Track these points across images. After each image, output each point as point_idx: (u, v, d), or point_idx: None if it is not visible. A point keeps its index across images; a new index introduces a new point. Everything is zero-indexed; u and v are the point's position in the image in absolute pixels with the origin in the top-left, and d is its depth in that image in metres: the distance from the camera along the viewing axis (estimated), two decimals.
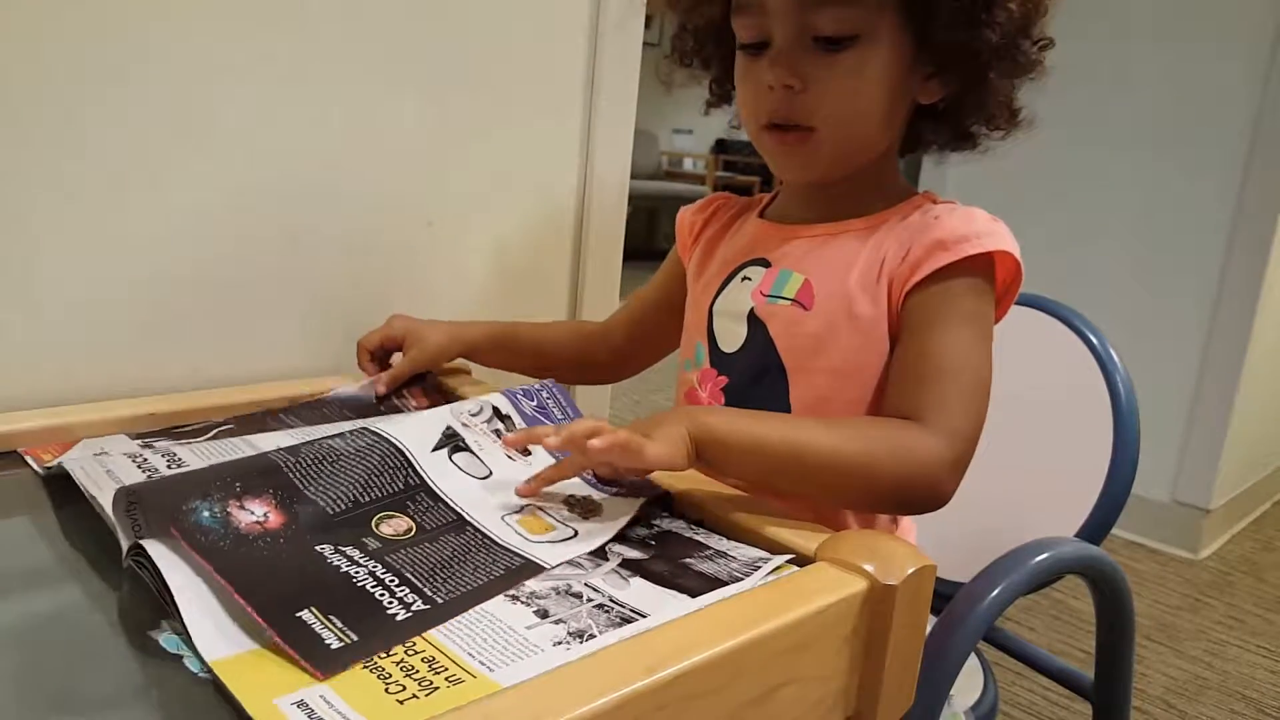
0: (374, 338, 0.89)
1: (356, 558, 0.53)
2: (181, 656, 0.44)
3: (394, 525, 0.57)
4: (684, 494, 0.66)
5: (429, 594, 0.50)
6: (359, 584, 0.50)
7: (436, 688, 0.42)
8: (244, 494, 0.55)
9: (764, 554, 0.58)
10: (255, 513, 0.54)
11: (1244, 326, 2.14)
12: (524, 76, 1.09)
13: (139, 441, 0.71)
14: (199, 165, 0.87)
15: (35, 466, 0.67)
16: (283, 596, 0.47)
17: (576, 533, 0.59)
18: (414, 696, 0.41)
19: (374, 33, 0.95)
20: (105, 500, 0.56)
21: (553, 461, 0.67)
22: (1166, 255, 2.23)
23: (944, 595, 0.69)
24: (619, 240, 1.24)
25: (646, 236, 6.13)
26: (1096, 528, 0.91)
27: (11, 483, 0.65)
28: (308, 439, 0.63)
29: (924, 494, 0.63)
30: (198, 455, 0.66)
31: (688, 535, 0.61)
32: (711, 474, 0.66)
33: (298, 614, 0.46)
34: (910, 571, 0.54)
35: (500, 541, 0.57)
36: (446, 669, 0.43)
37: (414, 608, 0.48)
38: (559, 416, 0.75)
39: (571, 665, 0.43)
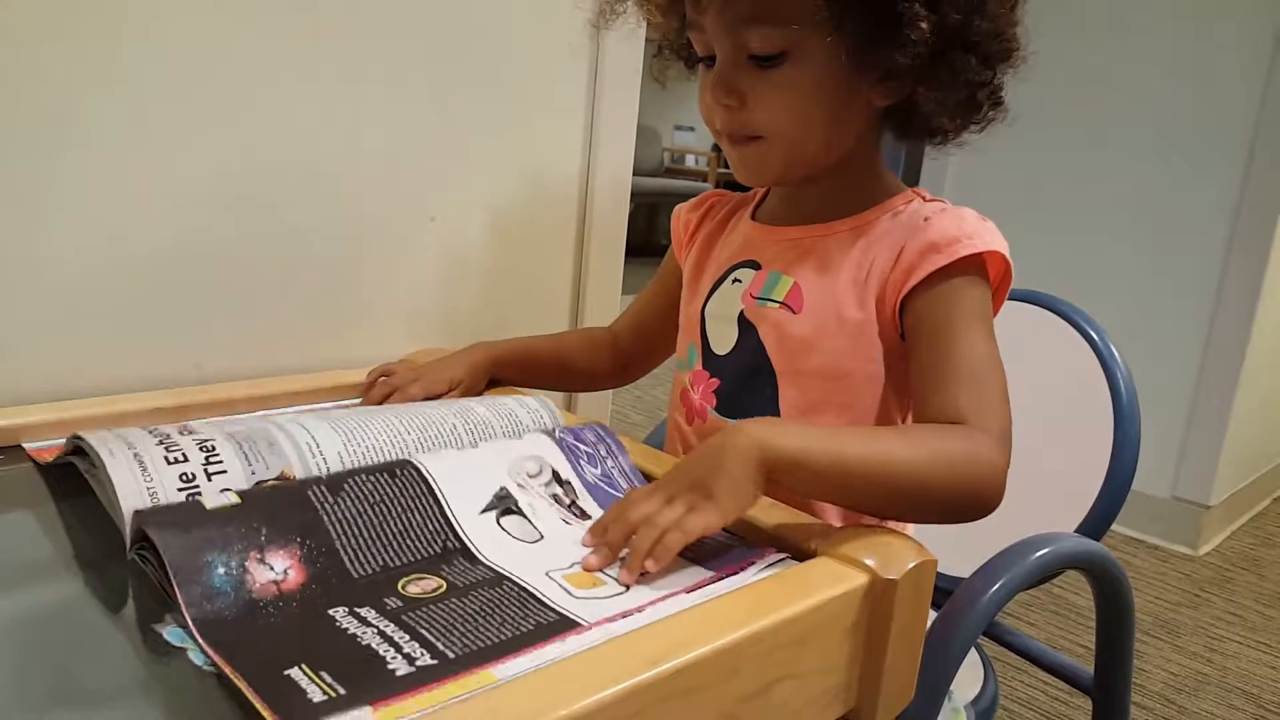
0: (417, 391, 0.83)
1: (370, 618, 0.48)
2: (185, 649, 0.45)
3: (422, 585, 0.52)
4: None
5: (440, 648, 0.45)
6: (364, 642, 0.45)
7: None
8: (268, 544, 0.51)
9: (763, 550, 0.58)
10: (275, 569, 0.50)
11: (1244, 323, 2.14)
12: (527, 73, 1.09)
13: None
14: (202, 159, 0.87)
15: (37, 461, 0.67)
16: (276, 660, 0.43)
17: (628, 588, 0.53)
18: None
19: (378, 27, 0.95)
20: (113, 467, 0.55)
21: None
22: (1168, 252, 2.23)
23: (944, 590, 0.69)
24: (621, 237, 1.24)
25: (648, 233, 6.13)
26: (1097, 523, 0.91)
27: (14, 476, 0.66)
28: (345, 459, 0.62)
29: (989, 498, 0.62)
30: (210, 425, 0.66)
31: None
32: (777, 494, 0.62)
33: (285, 671, 0.42)
34: (911, 566, 0.54)
35: (538, 594, 0.51)
36: None
37: (418, 663, 0.43)
38: (614, 472, 0.69)
39: (574, 658, 0.44)
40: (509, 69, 1.07)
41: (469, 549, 0.57)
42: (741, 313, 0.76)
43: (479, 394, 0.86)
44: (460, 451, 0.66)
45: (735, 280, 0.78)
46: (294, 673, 0.42)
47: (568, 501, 0.63)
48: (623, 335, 0.96)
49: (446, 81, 1.02)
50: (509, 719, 0.38)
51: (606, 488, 0.66)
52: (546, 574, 0.54)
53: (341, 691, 0.41)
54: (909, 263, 0.69)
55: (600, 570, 0.55)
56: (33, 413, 0.72)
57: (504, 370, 0.89)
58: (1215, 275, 2.17)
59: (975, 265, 0.69)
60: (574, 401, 1.25)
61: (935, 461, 0.60)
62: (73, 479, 0.62)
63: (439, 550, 0.56)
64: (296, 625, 0.47)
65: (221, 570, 0.49)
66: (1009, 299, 1.01)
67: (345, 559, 0.53)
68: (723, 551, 0.58)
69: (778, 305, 0.74)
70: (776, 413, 0.74)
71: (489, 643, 0.46)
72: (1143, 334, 2.21)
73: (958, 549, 0.80)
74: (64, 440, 0.65)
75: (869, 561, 0.54)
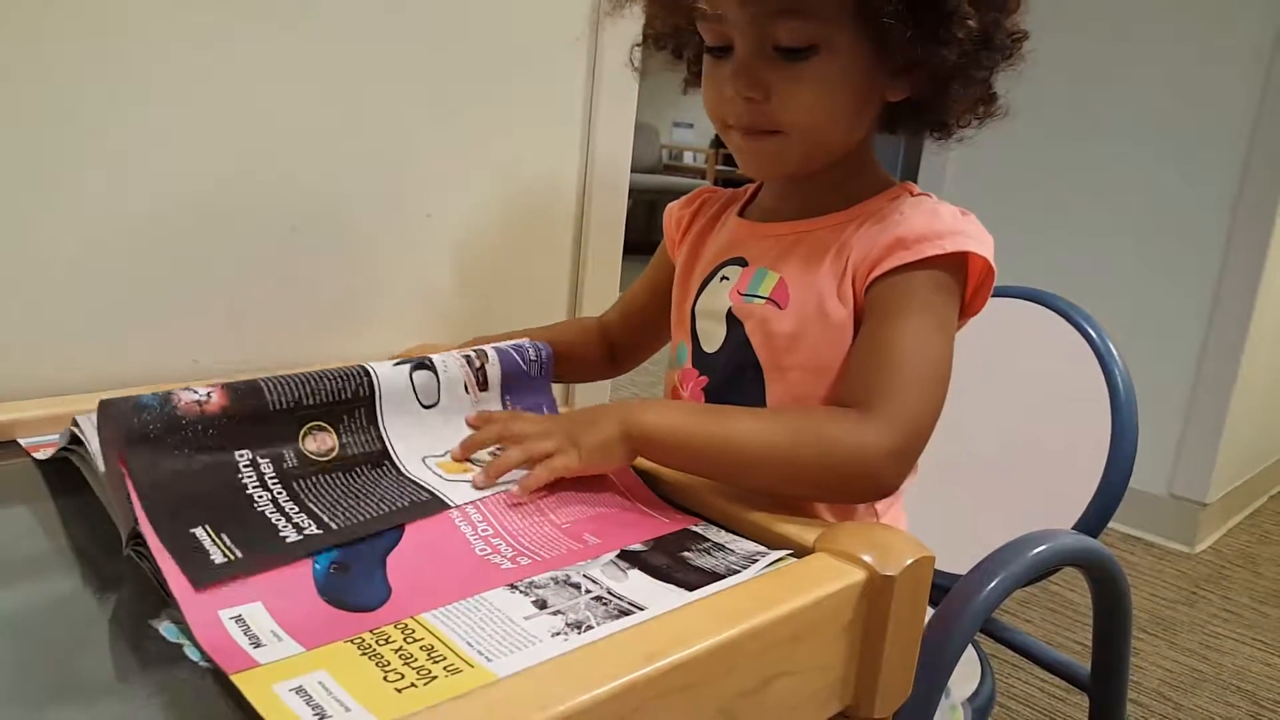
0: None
1: (267, 478, 0.56)
2: (182, 645, 0.45)
3: (319, 441, 0.60)
4: (682, 487, 0.66)
5: (325, 520, 0.54)
6: (259, 509, 0.54)
7: (435, 677, 0.42)
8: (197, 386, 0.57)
9: (762, 548, 0.58)
10: (199, 392, 0.56)
11: (1242, 322, 2.14)
12: (525, 69, 1.09)
13: None
14: (198, 155, 0.87)
15: (33, 456, 0.67)
16: (181, 509, 0.50)
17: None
18: (412, 685, 0.41)
19: (375, 23, 0.95)
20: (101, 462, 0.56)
21: (500, 409, 0.72)
22: (1166, 250, 2.23)
23: (942, 587, 0.69)
24: (619, 233, 1.24)
25: (646, 230, 6.11)
26: (1094, 521, 0.91)
27: (10, 471, 0.65)
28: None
29: (858, 484, 0.63)
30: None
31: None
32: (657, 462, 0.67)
33: (192, 530, 0.49)
34: (909, 562, 0.54)
35: (412, 477, 0.61)
36: (445, 658, 0.43)
37: (306, 532, 0.52)
38: (535, 377, 0.76)
39: (570, 654, 0.44)
40: (506, 65, 1.07)
41: (374, 404, 0.64)
42: (729, 310, 0.75)
43: None
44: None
45: (723, 278, 0.77)
46: (199, 532, 0.50)
47: (477, 364, 0.71)
48: (612, 326, 0.96)
49: (443, 77, 1.02)
50: (506, 716, 0.38)
51: (517, 358, 0.74)
52: (423, 460, 0.64)
53: (239, 555, 0.49)
54: (876, 256, 0.68)
55: (463, 460, 0.64)
56: (28, 408, 0.72)
57: None
58: (1213, 273, 2.17)
59: (942, 263, 0.68)
60: (571, 397, 1.25)
61: (789, 440, 0.62)
62: (69, 474, 0.62)
63: (350, 395, 0.63)
64: (206, 469, 0.54)
65: (149, 394, 0.54)
66: (1007, 296, 1.02)
67: (265, 391, 0.59)
68: (721, 548, 0.58)
69: (764, 301, 0.73)
70: (764, 407, 0.74)
71: (367, 516, 0.55)
72: (1140, 332, 2.22)
73: (955, 545, 0.80)
74: (58, 437, 0.65)
75: (866, 558, 0.54)
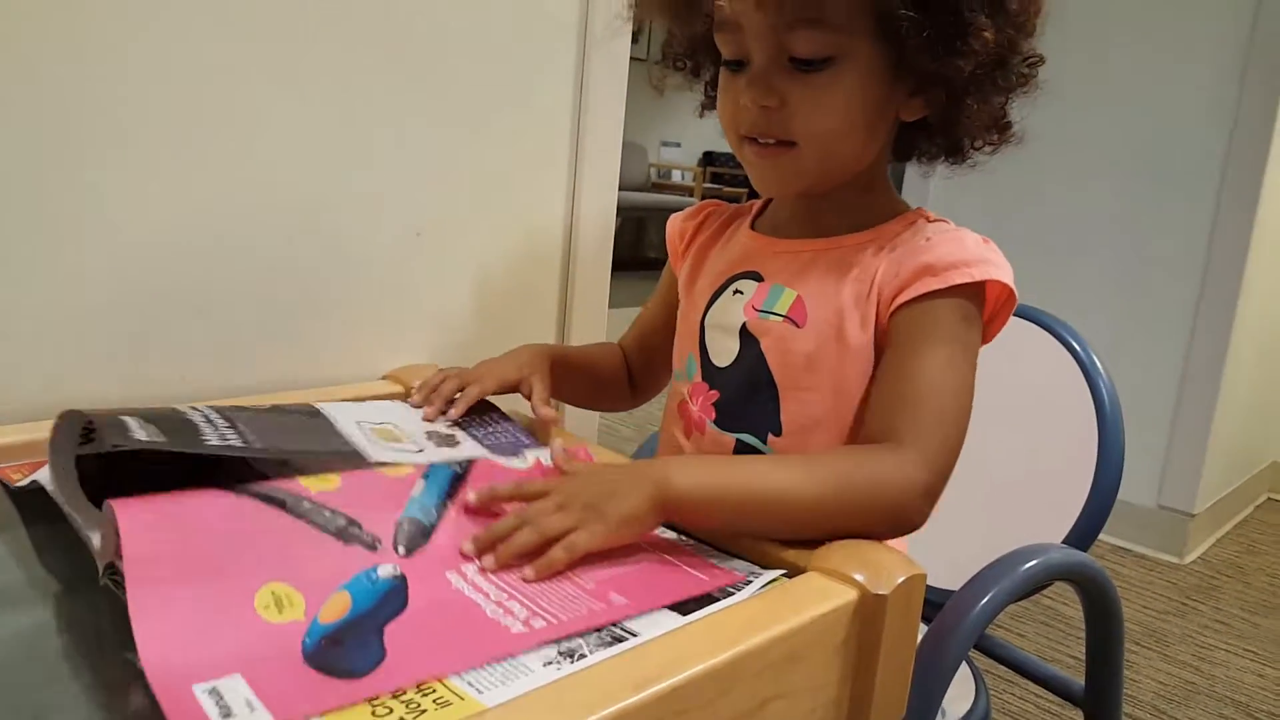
0: (489, 385, 0.80)
1: (207, 412, 0.62)
2: None
3: (256, 403, 0.67)
4: None
5: (249, 438, 0.58)
6: (192, 420, 0.59)
7: (424, 710, 0.41)
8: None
9: (754, 568, 0.57)
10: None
11: (1223, 334, 2.16)
12: (513, 90, 1.09)
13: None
14: (186, 173, 0.86)
15: (6, 484, 0.65)
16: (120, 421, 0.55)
17: (423, 450, 0.64)
18: (401, 719, 0.40)
19: (365, 44, 0.95)
20: (81, 516, 0.55)
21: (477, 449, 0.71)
22: (1148, 264, 2.25)
23: (934, 603, 0.69)
24: (608, 252, 1.24)
25: (634, 246, 6.14)
26: (1084, 534, 0.91)
27: None
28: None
29: (897, 522, 0.62)
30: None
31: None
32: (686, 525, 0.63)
33: (123, 418, 0.55)
34: (901, 580, 0.53)
35: (339, 429, 0.64)
36: (435, 690, 0.42)
37: (227, 440, 0.57)
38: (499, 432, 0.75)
39: (562, 681, 0.43)
40: (496, 87, 1.07)
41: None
42: (744, 325, 0.74)
43: (548, 386, 0.81)
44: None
45: (736, 291, 0.76)
46: (130, 419, 0.55)
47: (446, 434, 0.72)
48: (630, 353, 0.93)
49: (434, 99, 1.01)
50: None
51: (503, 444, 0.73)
52: (358, 423, 0.67)
53: (162, 438, 0.53)
54: (903, 280, 0.68)
55: (478, 557, 0.55)
56: (4, 434, 0.71)
57: (557, 368, 0.84)
58: (1195, 284, 2.19)
59: (967, 292, 0.68)
60: (562, 415, 1.24)
61: (835, 488, 0.60)
62: (44, 503, 0.61)
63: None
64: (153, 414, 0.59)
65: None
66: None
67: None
68: (715, 565, 0.57)
69: (781, 319, 0.73)
70: (777, 426, 0.73)
71: (290, 448, 0.59)
72: (1124, 344, 2.23)
73: (947, 562, 0.80)
74: (29, 480, 0.63)
75: (859, 577, 0.53)
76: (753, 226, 0.81)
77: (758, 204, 0.84)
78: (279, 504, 0.54)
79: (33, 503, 0.62)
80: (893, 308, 0.68)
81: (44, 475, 0.63)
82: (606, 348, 0.95)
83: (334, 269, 0.98)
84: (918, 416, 0.64)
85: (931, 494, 0.62)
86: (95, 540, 0.53)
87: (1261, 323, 2.32)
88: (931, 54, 0.64)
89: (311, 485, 0.56)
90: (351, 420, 0.66)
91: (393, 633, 0.47)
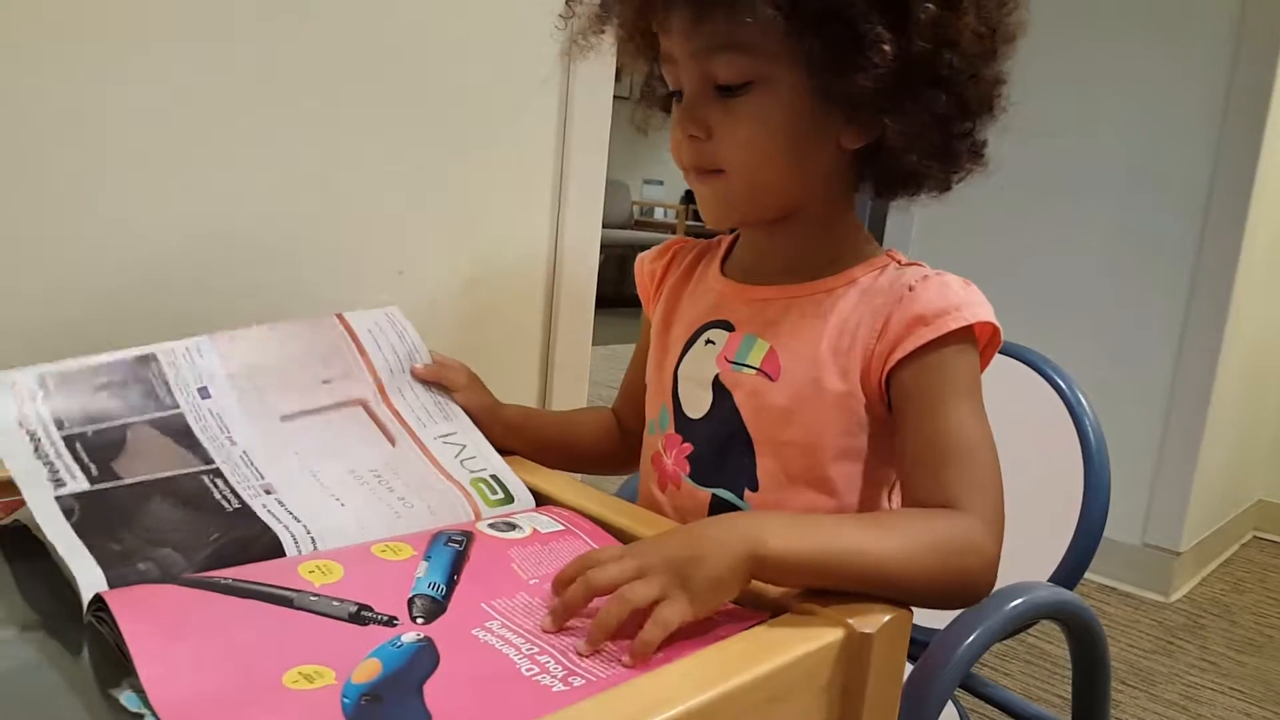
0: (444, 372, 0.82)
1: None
2: (143, 716, 0.43)
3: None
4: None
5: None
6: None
7: None
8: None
9: (746, 615, 0.57)
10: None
11: (1208, 371, 2.17)
12: (497, 128, 1.10)
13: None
14: (167, 208, 0.86)
15: None
16: None
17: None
18: None
19: (351, 82, 0.96)
20: (66, 552, 0.55)
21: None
22: (1131, 301, 2.27)
23: (919, 642, 0.68)
24: (591, 289, 1.25)
25: (617, 284, 6.15)
26: (1069, 572, 0.91)
27: None
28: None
29: (981, 587, 0.61)
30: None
31: None
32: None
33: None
34: (886, 620, 0.53)
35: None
36: None
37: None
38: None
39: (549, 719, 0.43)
40: (479, 123, 1.08)
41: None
42: (716, 377, 0.74)
43: (469, 396, 0.82)
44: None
45: (709, 342, 0.76)
46: None
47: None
48: (623, 417, 0.92)
49: (417, 139, 1.02)
50: None
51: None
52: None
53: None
54: (895, 335, 0.67)
55: (555, 632, 0.51)
56: None
57: (508, 434, 0.82)
58: (1179, 323, 2.20)
59: (963, 335, 0.68)
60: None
61: (926, 555, 0.58)
62: (26, 539, 0.60)
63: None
64: None
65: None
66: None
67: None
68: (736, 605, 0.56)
69: (754, 372, 0.72)
70: (754, 482, 0.72)
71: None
72: (1109, 382, 2.24)
73: None
74: (11, 519, 0.63)
75: (844, 617, 0.53)
76: (722, 268, 0.80)
77: (727, 240, 0.83)
78: (285, 601, 0.52)
79: (15, 539, 0.62)
80: (890, 364, 0.68)
81: (26, 514, 0.63)
82: (592, 412, 0.94)
83: (315, 308, 0.98)
84: (973, 482, 0.63)
85: (996, 563, 0.61)
86: (79, 578, 0.52)
87: (1247, 361, 2.34)
88: (835, 71, 0.63)
89: (315, 578, 0.55)
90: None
91: (433, 692, 0.45)
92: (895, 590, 0.57)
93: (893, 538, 0.58)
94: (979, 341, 0.70)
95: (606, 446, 0.91)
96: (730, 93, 0.67)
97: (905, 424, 0.67)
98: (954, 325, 0.66)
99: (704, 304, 0.79)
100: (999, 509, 0.63)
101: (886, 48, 0.61)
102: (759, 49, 0.65)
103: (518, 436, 0.83)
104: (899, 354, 0.67)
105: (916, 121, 0.66)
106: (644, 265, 0.87)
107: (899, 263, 0.73)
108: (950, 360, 0.67)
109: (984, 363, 0.72)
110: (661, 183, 6.93)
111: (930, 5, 0.62)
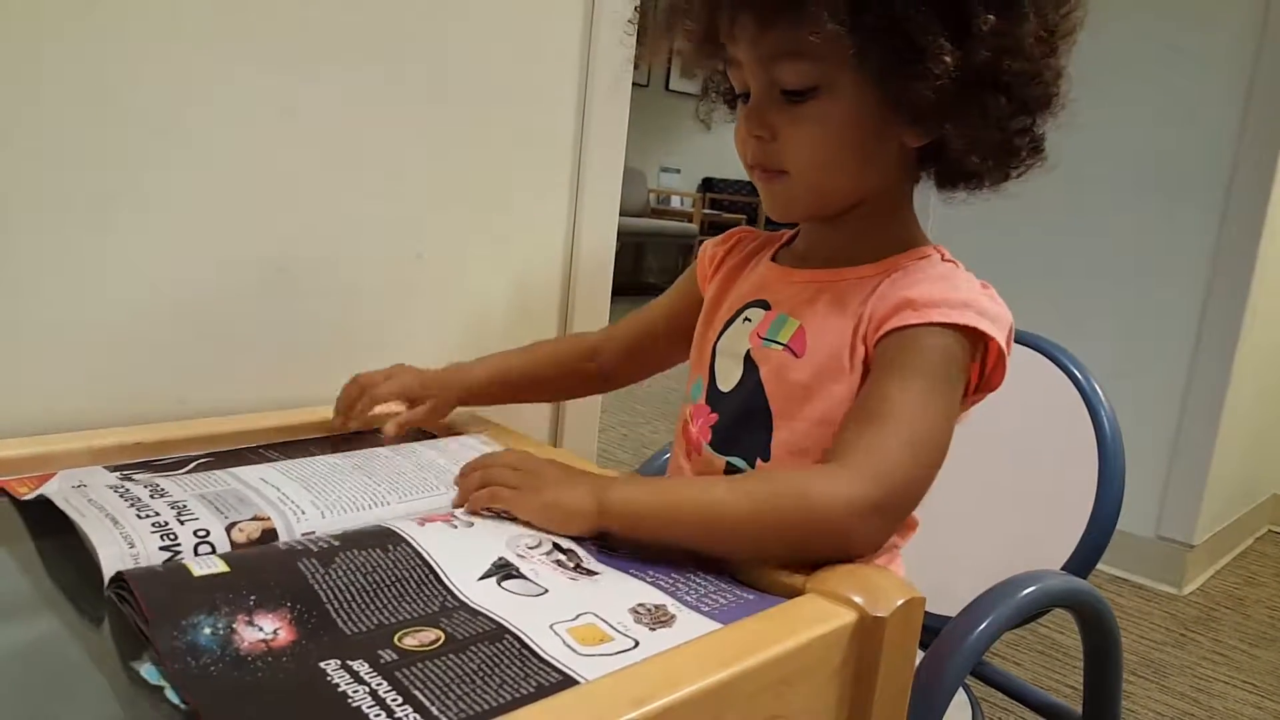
0: (387, 389, 0.86)
1: (363, 673, 0.45)
2: (162, 688, 0.44)
3: (419, 638, 0.49)
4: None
5: (434, 713, 0.42)
6: (354, 703, 0.42)
7: None
8: (257, 609, 0.49)
9: (755, 593, 0.57)
10: (264, 629, 0.48)
11: (1224, 364, 2.16)
12: (515, 115, 1.10)
13: (118, 474, 0.71)
14: (187, 193, 0.87)
15: (14, 496, 0.66)
16: (258, 715, 0.41)
17: (638, 643, 0.50)
18: None
19: (370, 70, 0.96)
20: (88, 526, 0.55)
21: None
22: (1149, 292, 2.26)
23: (932, 629, 0.69)
24: (608, 276, 1.25)
25: (633, 272, 6.16)
26: (1082, 562, 0.91)
27: None
28: (330, 526, 0.62)
29: (833, 540, 0.60)
30: (180, 486, 0.65)
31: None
32: (621, 540, 0.63)
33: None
34: (899, 604, 0.54)
35: (540, 651, 0.48)
36: None
37: None
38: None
39: (559, 698, 0.43)
40: (497, 110, 1.08)
41: (469, 605, 0.53)
42: (748, 352, 0.75)
43: (444, 415, 0.89)
44: (454, 529, 0.63)
45: (746, 319, 0.78)
46: None
47: (572, 565, 0.59)
48: (614, 341, 0.95)
49: (435, 123, 1.03)
50: None
51: (607, 559, 0.62)
52: (550, 627, 0.50)
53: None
54: (885, 312, 0.68)
55: (461, 507, 0.66)
56: (9, 447, 0.71)
57: (479, 398, 0.92)
58: (1195, 315, 2.19)
59: (956, 334, 0.66)
60: (560, 438, 1.25)
61: (765, 499, 0.61)
62: (50, 515, 0.61)
63: (438, 608, 0.53)
64: (285, 678, 0.44)
65: (208, 629, 0.46)
66: None
67: (338, 620, 0.50)
68: (734, 606, 0.57)
69: (781, 348, 0.73)
70: (766, 452, 0.73)
71: (485, 707, 0.42)
72: (1125, 373, 2.23)
73: (944, 587, 0.80)
74: (36, 494, 0.64)
75: (857, 599, 0.53)
76: (775, 256, 0.82)
77: (788, 234, 0.84)
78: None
79: (39, 515, 0.62)
80: (875, 339, 0.68)
81: (50, 488, 0.64)
82: (558, 347, 0.99)
83: (333, 290, 0.99)
84: (873, 438, 0.62)
85: (876, 514, 0.60)
86: (101, 553, 0.53)
87: (1264, 355, 2.33)
88: (897, 80, 0.64)
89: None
90: (545, 626, 0.51)
91: None
92: (741, 539, 0.61)
93: (737, 489, 0.62)
94: (991, 355, 0.68)
95: (569, 370, 0.96)
96: (795, 97, 0.68)
97: (862, 387, 0.68)
98: (937, 318, 0.66)
99: (750, 285, 0.81)
100: (891, 474, 0.61)
101: (947, 59, 0.62)
102: (823, 57, 0.65)
103: (488, 395, 0.92)
104: (882, 330, 0.68)
105: (977, 124, 0.67)
106: (707, 249, 0.90)
107: (942, 257, 0.74)
108: (923, 339, 0.66)
109: (998, 378, 0.70)
110: (678, 170, 6.91)
111: (990, 15, 0.63)
